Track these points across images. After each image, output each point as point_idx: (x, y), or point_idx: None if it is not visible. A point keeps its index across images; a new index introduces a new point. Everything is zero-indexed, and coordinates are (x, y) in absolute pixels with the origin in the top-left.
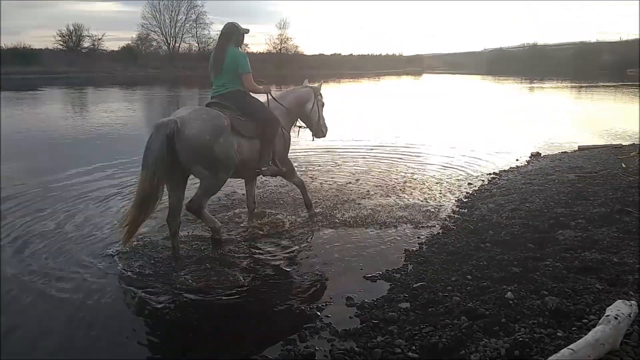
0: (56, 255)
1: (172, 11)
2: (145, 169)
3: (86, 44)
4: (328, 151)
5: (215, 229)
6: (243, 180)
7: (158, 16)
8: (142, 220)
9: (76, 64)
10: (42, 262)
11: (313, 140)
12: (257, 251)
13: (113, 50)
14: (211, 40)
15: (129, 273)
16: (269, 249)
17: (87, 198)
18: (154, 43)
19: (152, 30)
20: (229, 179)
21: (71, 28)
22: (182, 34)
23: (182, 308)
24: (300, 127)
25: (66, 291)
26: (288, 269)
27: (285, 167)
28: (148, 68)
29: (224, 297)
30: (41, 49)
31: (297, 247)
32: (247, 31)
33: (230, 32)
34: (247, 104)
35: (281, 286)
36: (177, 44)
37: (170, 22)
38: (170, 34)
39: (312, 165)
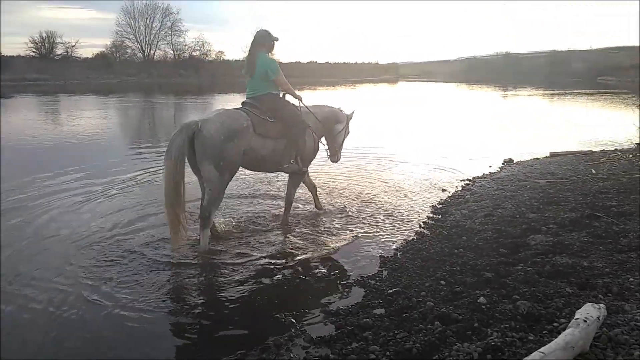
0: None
1: (147, 18)
2: (169, 167)
3: (59, 50)
4: None
5: (202, 248)
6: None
7: (133, 23)
8: (179, 215)
9: (49, 71)
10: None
11: (328, 159)
12: (229, 260)
13: (87, 58)
14: (187, 47)
15: (103, 282)
16: (242, 257)
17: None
18: (129, 50)
19: (126, 38)
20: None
21: (44, 35)
22: (157, 41)
23: (156, 317)
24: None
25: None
26: (262, 277)
27: (305, 168)
28: (123, 75)
29: (197, 307)
30: (13, 56)
31: (270, 255)
32: (277, 39)
33: (262, 38)
34: (278, 107)
35: (256, 294)
36: (152, 52)
37: (145, 29)
38: (145, 41)
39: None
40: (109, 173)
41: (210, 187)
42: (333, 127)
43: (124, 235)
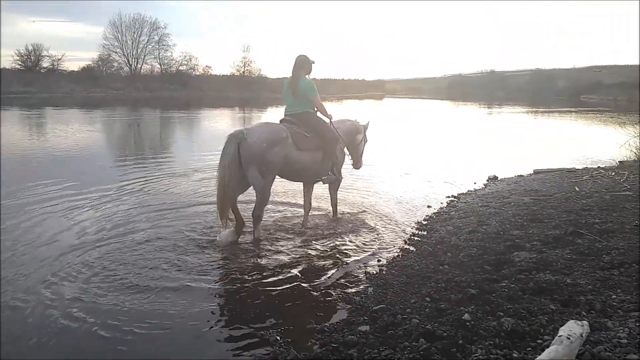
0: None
1: (134, 32)
2: (222, 172)
3: (45, 63)
4: None
5: (257, 236)
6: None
7: (120, 37)
8: (228, 207)
9: (35, 84)
10: None
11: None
12: (212, 274)
13: (73, 71)
14: (174, 62)
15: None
16: (224, 271)
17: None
18: (115, 64)
19: (113, 51)
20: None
21: (30, 48)
22: (145, 55)
23: (135, 336)
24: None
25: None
26: (246, 294)
27: (341, 177)
28: (109, 89)
29: (177, 321)
30: None
31: (253, 272)
32: (314, 62)
33: (302, 62)
34: (314, 124)
35: (239, 310)
36: (139, 65)
37: (133, 43)
38: (132, 55)
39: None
40: (92, 185)
41: (257, 189)
42: (354, 138)
43: (107, 244)
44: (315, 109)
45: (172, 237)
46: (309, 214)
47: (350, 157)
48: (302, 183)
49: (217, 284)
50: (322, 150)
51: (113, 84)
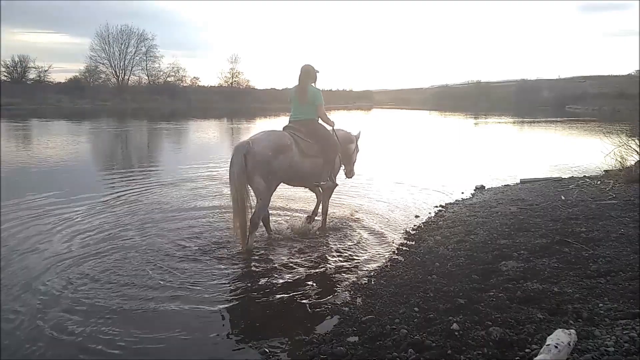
0: None
1: (121, 44)
2: (232, 182)
3: (32, 75)
4: None
5: (248, 248)
6: None
7: (107, 48)
8: (244, 215)
9: (21, 95)
10: None
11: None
12: (199, 288)
13: (59, 82)
14: (161, 73)
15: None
16: (211, 284)
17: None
18: (103, 75)
19: (100, 63)
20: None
21: (16, 59)
22: (132, 67)
23: (119, 351)
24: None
25: None
26: (234, 305)
27: (337, 183)
28: (96, 100)
29: (161, 334)
30: None
31: (242, 282)
32: (318, 71)
33: (309, 72)
34: (317, 131)
35: (227, 322)
36: (126, 77)
37: (120, 54)
38: (120, 66)
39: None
40: (81, 195)
41: (260, 196)
42: (347, 147)
43: (96, 254)
44: (318, 117)
45: (162, 246)
46: (316, 217)
47: (343, 166)
48: (299, 189)
49: (204, 295)
50: (323, 157)
51: (100, 95)
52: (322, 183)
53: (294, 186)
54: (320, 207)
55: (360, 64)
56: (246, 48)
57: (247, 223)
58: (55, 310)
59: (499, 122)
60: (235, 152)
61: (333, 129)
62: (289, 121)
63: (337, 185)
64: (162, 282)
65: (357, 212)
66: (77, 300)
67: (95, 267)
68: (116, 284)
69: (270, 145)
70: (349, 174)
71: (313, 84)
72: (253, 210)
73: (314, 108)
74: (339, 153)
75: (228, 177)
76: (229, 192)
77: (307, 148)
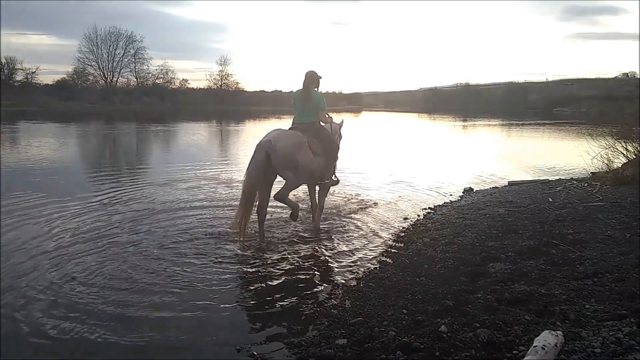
0: None
1: (110, 45)
2: (248, 176)
3: (19, 77)
4: None
5: (294, 208)
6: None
7: (95, 50)
8: (249, 214)
9: (8, 97)
10: None
11: None
12: (184, 291)
13: (47, 84)
14: (150, 75)
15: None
16: (197, 285)
17: None
18: (91, 77)
19: (88, 64)
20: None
21: (3, 61)
22: (120, 69)
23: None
24: None
25: None
26: (221, 307)
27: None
28: (84, 102)
29: (146, 332)
30: None
31: (229, 284)
32: (321, 77)
33: (313, 77)
34: (319, 132)
35: (216, 323)
36: (114, 79)
37: (108, 56)
38: (108, 68)
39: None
40: (71, 195)
41: (288, 184)
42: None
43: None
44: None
45: (152, 245)
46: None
47: None
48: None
49: (190, 298)
50: (326, 156)
51: (88, 97)
52: (326, 181)
53: (302, 183)
54: (318, 207)
55: (350, 66)
56: (236, 50)
57: (249, 216)
58: (38, 311)
59: (488, 125)
60: (258, 150)
61: (332, 124)
62: (293, 123)
63: (339, 181)
64: (147, 285)
65: (344, 217)
66: (60, 301)
67: (77, 268)
68: (98, 286)
69: (292, 143)
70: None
71: (316, 89)
72: (257, 203)
73: (317, 111)
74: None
75: (246, 172)
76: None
77: (315, 147)
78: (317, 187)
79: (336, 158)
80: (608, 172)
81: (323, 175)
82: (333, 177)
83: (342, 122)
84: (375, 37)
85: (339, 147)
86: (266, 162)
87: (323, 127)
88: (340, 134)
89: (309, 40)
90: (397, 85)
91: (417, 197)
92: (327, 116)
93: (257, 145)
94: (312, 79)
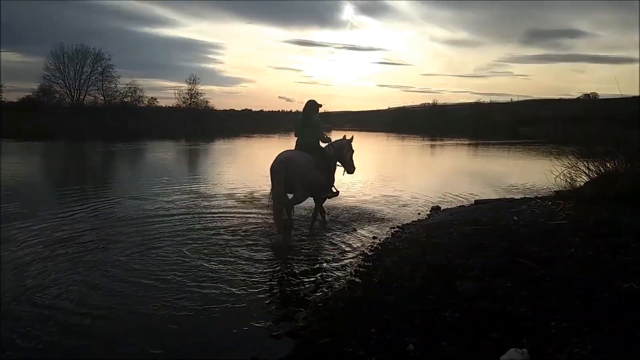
0: None
1: (77, 63)
2: (275, 190)
3: None
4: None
5: (288, 225)
6: None
7: (62, 68)
8: (282, 214)
9: None
10: None
11: (343, 174)
12: (150, 312)
13: (12, 102)
14: (118, 93)
15: None
16: (163, 303)
17: None
18: (57, 95)
19: (55, 82)
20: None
21: None
22: (87, 87)
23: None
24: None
25: None
26: (190, 326)
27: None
28: (50, 120)
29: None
30: None
31: (192, 300)
32: (321, 105)
33: (314, 105)
34: (321, 151)
35: (182, 344)
36: (81, 97)
37: (75, 74)
38: (75, 86)
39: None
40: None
41: (297, 197)
42: (342, 152)
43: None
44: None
45: (119, 258)
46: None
47: (342, 166)
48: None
49: (146, 314)
50: (326, 172)
51: (54, 115)
52: (329, 195)
53: (310, 196)
54: (315, 213)
55: (319, 85)
56: (205, 69)
57: (282, 216)
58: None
59: (455, 144)
60: (277, 165)
61: (330, 143)
62: (298, 144)
63: (338, 193)
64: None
65: (315, 233)
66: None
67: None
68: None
69: (305, 162)
70: (351, 169)
71: (316, 114)
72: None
73: (317, 134)
74: (338, 159)
75: (271, 186)
76: (270, 197)
77: (318, 163)
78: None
79: (333, 174)
80: (571, 191)
81: (325, 188)
82: (333, 190)
83: (352, 138)
84: (345, 57)
85: (352, 162)
86: (285, 176)
87: (322, 147)
88: (351, 149)
89: (277, 60)
90: (366, 104)
91: (386, 216)
92: (325, 137)
93: (276, 162)
94: (312, 107)
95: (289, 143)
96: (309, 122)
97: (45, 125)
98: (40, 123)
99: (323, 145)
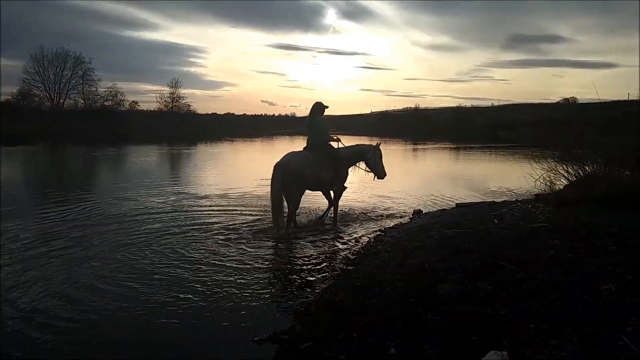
0: None
1: (57, 67)
2: (272, 191)
3: None
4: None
5: (280, 235)
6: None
7: (42, 71)
8: (280, 218)
9: None
10: None
11: (374, 179)
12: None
13: None
14: (99, 97)
15: None
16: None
17: None
18: (37, 99)
19: (34, 86)
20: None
21: None
22: (67, 90)
23: None
24: (366, 170)
25: None
26: (169, 332)
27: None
28: (30, 124)
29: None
30: None
31: (174, 307)
32: (327, 107)
33: (320, 107)
34: (327, 149)
35: (154, 350)
36: (62, 100)
37: (55, 77)
38: (55, 90)
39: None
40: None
41: (292, 201)
42: (364, 157)
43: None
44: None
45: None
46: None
47: (370, 171)
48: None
49: (125, 321)
50: (332, 169)
51: (34, 118)
52: (334, 189)
53: (313, 191)
54: (330, 206)
55: (303, 89)
56: (187, 72)
57: (280, 219)
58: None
59: (437, 148)
60: (277, 170)
61: (344, 145)
62: (307, 144)
63: (346, 188)
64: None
65: (297, 236)
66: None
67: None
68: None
69: (302, 164)
70: (380, 175)
71: (322, 116)
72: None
73: (321, 134)
74: (361, 162)
75: (270, 187)
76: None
77: (323, 162)
78: (331, 192)
79: (340, 170)
80: (551, 194)
81: (332, 184)
82: (339, 185)
83: (379, 143)
84: (328, 61)
85: (382, 167)
86: (282, 179)
87: (330, 146)
88: (378, 152)
89: (260, 64)
90: (349, 108)
91: (368, 220)
92: (331, 137)
93: (275, 166)
94: (318, 109)
95: (274, 147)
96: (314, 123)
97: (25, 129)
98: (20, 127)
99: (334, 144)
